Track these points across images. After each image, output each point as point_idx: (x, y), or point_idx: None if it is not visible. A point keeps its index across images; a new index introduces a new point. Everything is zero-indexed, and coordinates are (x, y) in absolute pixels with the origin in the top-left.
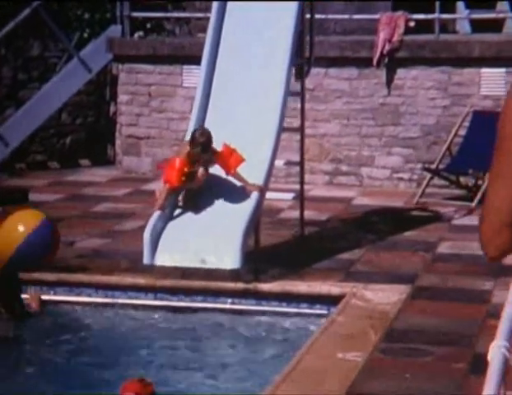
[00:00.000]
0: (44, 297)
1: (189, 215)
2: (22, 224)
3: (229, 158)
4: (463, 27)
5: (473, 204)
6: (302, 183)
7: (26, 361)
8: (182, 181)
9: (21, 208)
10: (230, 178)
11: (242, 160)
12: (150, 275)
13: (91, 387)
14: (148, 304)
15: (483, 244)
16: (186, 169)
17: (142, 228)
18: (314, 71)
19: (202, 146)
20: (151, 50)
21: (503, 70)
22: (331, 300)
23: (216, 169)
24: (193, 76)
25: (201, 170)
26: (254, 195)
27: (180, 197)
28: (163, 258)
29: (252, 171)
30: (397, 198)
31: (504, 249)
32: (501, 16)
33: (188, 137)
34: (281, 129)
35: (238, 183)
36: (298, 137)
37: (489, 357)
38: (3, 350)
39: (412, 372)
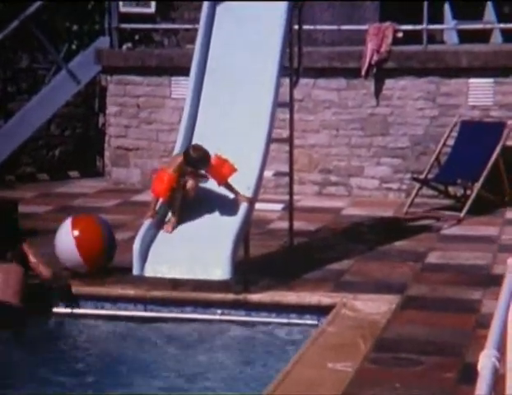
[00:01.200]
0: None
1: (179, 226)
2: None
3: (221, 168)
4: (451, 38)
5: (462, 214)
6: (291, 193)
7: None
8: (169, 195)
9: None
10: (220, 190)
11: (234, 169)
12: (139, 286)
13: None
14: (138, 315)
15: None
16: (174, 185)
17: (132, 239)
18: (303, 81)
19: (193, 163)
20: (140, 62)
21: (491, 80)
22: (321, 311)
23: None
24: (182, 88)
25: (190, 183)
26: (244, 206)
27: (170, 212)
28: (152, 269)
29: (241, 182)
30: (387, 208)
31: None
32: (488, 26)
33: (177, 149)
34: (270, 140)
35: (227, 194)
36: (287, 147)
37: (479, 366)
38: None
39: (402, 381)
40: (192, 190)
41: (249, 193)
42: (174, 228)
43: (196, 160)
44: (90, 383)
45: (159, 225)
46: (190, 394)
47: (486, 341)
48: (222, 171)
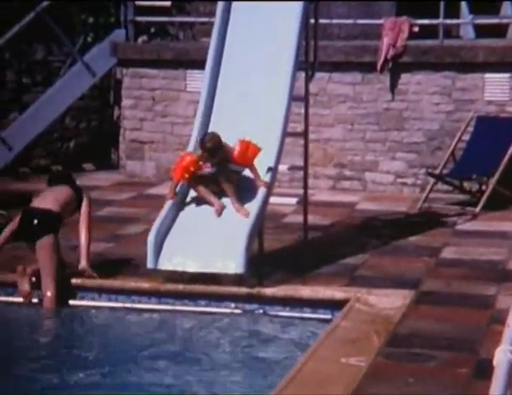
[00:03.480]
0: None
1: (193, 219)
2: None
3: (246, 151)
4: (467, 32)
5: (477, 209)
6: (306, 187)
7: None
8: (185, 177)
9: None
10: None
11: (259, 149)
12: (154, 279)
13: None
14: (152, 308)
15: None
16: (192, 168)
17: (146, 232)
18: (318, 75)
19: (208, 151)
20: (155, 55)
21: (507, 75)
22: (334, 305)
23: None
24: (197, 81)
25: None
26: (260, 194)
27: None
28: (167, 262)
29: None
30: (401, 203)
31: None
32: (505, 21)
33: (192, 141)
34: (285, 134)
35: (242, 188)
36: (302, 141)
37: (495, 362)
38: None
39: (416, 377)
40: (226, 184)
41: (268, 178)
42: (222, 208)
43: (210, 148)
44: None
45: (178, 208)
46: (195, 394)
47: (502, 336)
48: (248, 154)
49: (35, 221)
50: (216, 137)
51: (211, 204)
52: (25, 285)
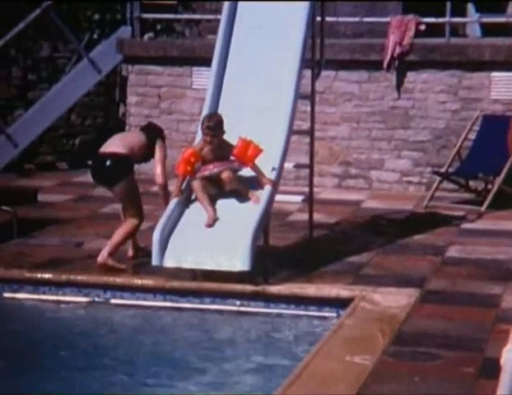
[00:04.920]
0: (53, 298)
1: (198, 217)
2: None
3: (246, 150)
4: (474, 31)
5: (483, 208)
6: (311, 185)
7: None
8: (188, 171)
9: None
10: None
11: (260, 150)
12: (159, 276)
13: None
14: (157, 305)
15: None
16: (193, 159)
17: (151, 229)
18: (324, 73)
19: (208, 128)
20: (161, 51)
21: None
22: (340, 303)
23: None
24: (203, 78)
25: (226, 173)
26: (266, 192)
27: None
28: (172, 260)
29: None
30: (407, 202)
31: None
32: None
33: (197, 138)
34: (291, 132)
35: (247, 185)
36: (307, 139)
37: (502, 361)
38: None
39: (421, 376)
40: (228, 181)
41: (273, 176)
42: (214, 220)
43: (213, 125)
44: None
45: (183, 205)
46: (193, 394)
47: (509, 336)
48: (248, 153)
49: (108, 163)
50: (216, 116)
51: (206, 211)
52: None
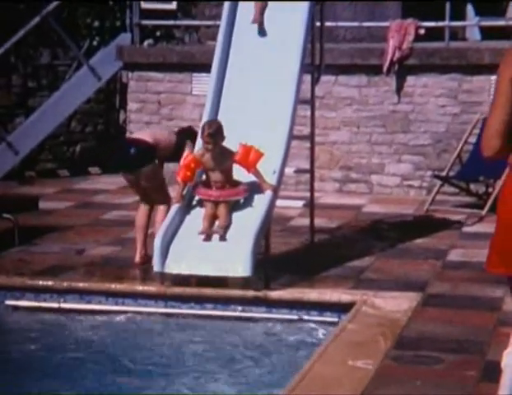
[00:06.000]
0: (53, 305)
1: (200, 223)
2: None
3: (248, 156)
4: (473, 34)
5: (484, 211)
6: (312, 190)
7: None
8: (188, 177)
9: None
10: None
11: (261, 154)
12: (160, 282)
13: None
14: (159, 311)
15: (483, 148)
16: (193, 165)
17: (152, 236)
18: (324, 78)
19: (209, 136)
20: (161, 58)
21: None
22: (341, 308)
23: None
24: (203, 84)
25: (221, 209)
26: (267, 197)
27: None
28: (173, 266)
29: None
30: (408, 206)
31: (495, 150)
32: (511, 23)
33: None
34: (291, 137)
35: (248, 191)
36: (308, 144)
37: (502, 364)
38: None
39: (423, 379)
40: (220, 217)
41: (274, 179)
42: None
43: (213, 133)
44: None
45: (185, 211)
46: (189, 394)
47: (509, 339)
48: (249, 158)
49: (132, 150)
50: (215, 122)
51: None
52: None
